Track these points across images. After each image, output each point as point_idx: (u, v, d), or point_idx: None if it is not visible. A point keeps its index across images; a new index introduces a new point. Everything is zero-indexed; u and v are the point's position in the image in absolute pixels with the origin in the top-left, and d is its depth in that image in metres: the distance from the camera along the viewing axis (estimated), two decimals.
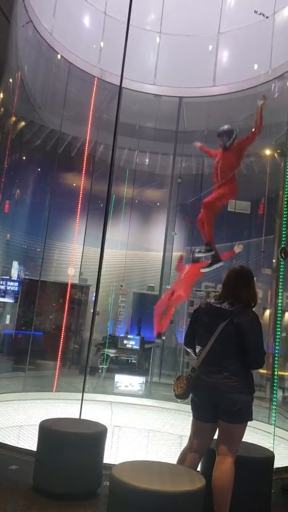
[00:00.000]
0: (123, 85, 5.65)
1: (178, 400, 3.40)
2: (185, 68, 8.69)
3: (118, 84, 5.77)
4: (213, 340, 3.29)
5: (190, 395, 3.37)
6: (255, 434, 6.12)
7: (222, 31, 8.41)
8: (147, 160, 11.80)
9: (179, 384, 3.37)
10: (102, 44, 8.72)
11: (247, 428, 3.34)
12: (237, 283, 3.43)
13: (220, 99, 8.85)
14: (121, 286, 11.43)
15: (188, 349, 3.62)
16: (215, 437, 3.37)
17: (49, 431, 3.77)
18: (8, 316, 9.48)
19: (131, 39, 5.44)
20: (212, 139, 10.53)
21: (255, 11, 7.54)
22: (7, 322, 9.45)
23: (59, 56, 8.59)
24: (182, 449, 3.52)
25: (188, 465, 3.26)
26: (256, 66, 8.33)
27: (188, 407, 7.81)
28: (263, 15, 7.57)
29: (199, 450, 3.38)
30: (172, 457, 4.88)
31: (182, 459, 3.39)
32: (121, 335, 10.64)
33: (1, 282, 9.05)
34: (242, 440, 3.35)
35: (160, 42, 8.84)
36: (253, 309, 3.45)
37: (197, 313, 3.55)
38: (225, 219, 10.52)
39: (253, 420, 3.38)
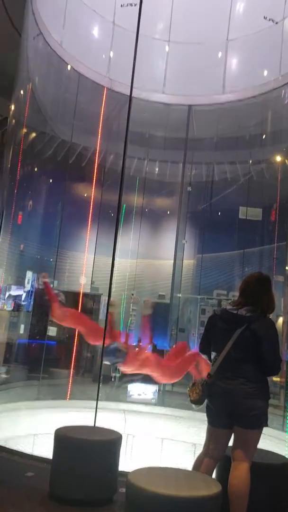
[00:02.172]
0: (132, 94, 5.71)
1: (193, 406, 3.39)
2: (194, 76, 8.73)
3: (128, 93, 5.82)
4: (230, 346, 3.29)
5: (205, 401, 3.37)
6: (269, 441, 6.05)
7: (231, 38, 8.43)
8: (157, 169, 11.85)
9: (194, 390, 3.37)
10: (111, 54, 8.80)
11: (262, 435, 3.32)
12: (256, 290, 3.43)
13: (229, 106, 8.87)
14: (132, 294, 11.43)
15: (203, 356, 3.62)
16: (230, 443, 3.36)
17: (64, 438, 3.78)
18: (22, 326, 9.51)
19: (140, 49, 5.49)
20: (222, 146, 10.61)
21: (264, 17, 7.56)
22: (21, 331, 9.48)
23: (69, 67, 8.68)
24: (196, 457, 3.51)
25: (203, 471, 3.25)
26: (265, 73, 8.35)
27: (201, 415, 7.73)
28: (273, 21, 7.59)
29: (215, 456, 3.37)
30: (186, 465, 4.85)
31: (197, 465, 3.38)
32: (133, 344, 10.62)
33: (15, 292, 9.10)
34: (257, 447, 3.34)
35: (169, 51, 8.90)
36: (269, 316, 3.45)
37: (213, 320, 3.54)
38: (236, 226, 10.52)
39: (268, 427, 3.36)
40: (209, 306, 10.78)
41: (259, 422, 3.24)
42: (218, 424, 3.35)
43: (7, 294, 9.01)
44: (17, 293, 9.21)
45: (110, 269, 5.62)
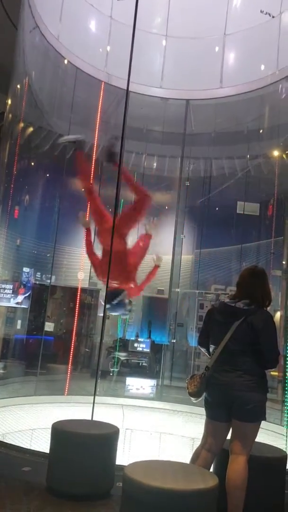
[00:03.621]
0: (130, 89, 5.69)
1: (192, 398, 3.40)
2: (192, 71, 8.71)
3: (125, 88, 5.79)
4: (227, 339, 3.30)
5: (204, 394, 3.37)
6: (267, 435, 6.07)
7: (228, 32, 8.41)
8: (154, 164, 11.82)
9: (192, 383, 3.38)
10: (108, 48, 8.77)
11: (260, 429, 3.33)
12: (252, 283, 3.44)
13: (227, 101, 8.86)
14: None
15: (202, 349, 3.62)
16: (229, 436, 3.36)
17: (61, 432, 3.78)
18: (19, 321, 9.51)
19: (137, 43, 5.46)
20: (220, 141, 10.58)
21: (261, 11, 7.54)
22: (18, 327, 9.48)
23: (66, 61, 8.64)
24: (194, 451, 3.51)
25: (201, 465, 3.26)
26: (263, 67, 8.33)
27: (199, 410, 7.77)
28: (270, 15, 7.57)
29: (212, 449, 3.37)
30: (184, 459, 4.85)
31: (195, 458, 3.39)
32: (131, 338, 10.64)
33: (12, 287, 9.08)
34: (255, 440, 3.34)
35: (166, 45, 8.87)
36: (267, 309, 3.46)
37: (211, 313, 3.56)
38: (233, 221, 10.52)
39: (266, 422, 3.37)
40: (207, 300, 10.78)
41: (257, 415, 3.25)
42: (216, 417, 3.36)
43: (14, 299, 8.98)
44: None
45: (107, 264, 5.59)
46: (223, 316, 3.42)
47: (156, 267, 6.66)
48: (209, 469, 3.28)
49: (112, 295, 5.33)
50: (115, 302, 5.30)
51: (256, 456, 3.38)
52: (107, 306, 5.44)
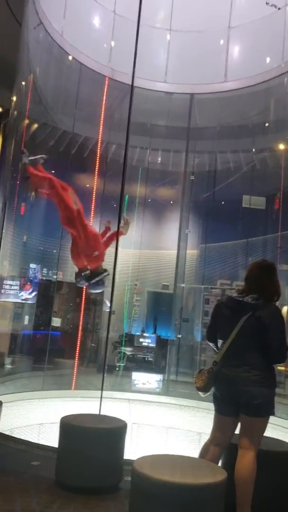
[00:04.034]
0: (134, 84, 5.68)
1: (200, 393, 3.40)
2: (196, 65, 8.68)
3: (129, 83, 5.80)
4: (235, 333, 3.29)
5: (212, 389, 3.38)
6: (274, 430, 6.08)
7: (232, 25, 8.37)
8: (159, 158, 11.80)
9: (200, 377, 3.38)
10: (112, 43, 8.75)
11: (268, 423, 3.32)
12: (260, 277, 3.42)
13: (232, 95, 8.83)
14: (135, 285, 11.45)
15: (210, 344, 3.61)
16: (237, 431, 3.37)
17: (70, 426, 3.81)
18: (26, 317, 9.56)
19: (141, 38, 5.46)
20: (224, 135, 10.55)
21: (266, 3, 7.47)
22: (26, 322, 9.53)
23: (70, 57, 8.64)
24: (201, 445, 3.53)
25: (209, 459, 3.27)
26: (268, 60, 8.28)
27: (207, 404, 7.81)
28: (275, 6, 7.50)
29: (221, 443, 3.38)
30: (191, 453, 4.89)
31: (203, 452, 3.40)
32: (137, 333, 10.68)
33: (19, 284, 9.13)
34: (264, 435, 3.35)
35: (170, 39, 8.84)
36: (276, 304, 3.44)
37: (219, 307, 3.55)
38: (240, 215, 10.49)
39: (274, 416, 3.36)
40: (213, 296, 10.78)
41: (264, 410, 3.24)
42: (224, 412, 3.37)
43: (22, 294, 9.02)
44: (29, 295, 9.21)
45: (113, 259, 5.63)
46: (230, 310, 3.40)
47: (121, 232, 6.26)
48: (217, 463, 3.29)
49: (94, 275, 5.76)
50: (94, 281, 5.75)
51: (264, 450, 3.38)
52: (87, 283, 5.89)
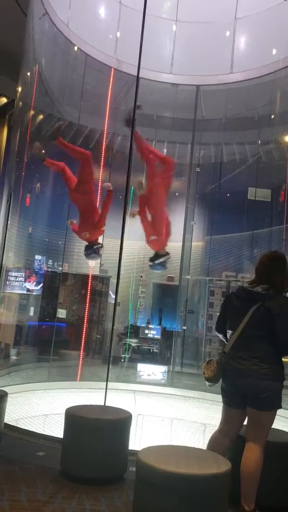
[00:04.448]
0: (140, 75, 5.65)
1: (208, 383, 3.40)
2: (202, 56, 8.63)
3: (135, 74, 5.77)
4: (244, 323, 3.27)
5: (220, 380, 3.37)
6: (281, 422, 6.11)
7: (239, 16, 8.31)
8: (165, 150, 11.74)
9: (209, 368, 3.38)
10: (118, 34, 8.70)
11: (276, 416, 3.32)
12: (270, 268, 3.39)
13: (238, 86, 8.77)
14: (141, 277, 11.47)
15: (219, 335, 3.59)
16: (246, 423, 3.38)
17: (75, 417, 3.84)
18: (32, 308, 9.60)
19: (147, 28, 5.43)
20: (230, 126, 10.50)
21: None
22: (31, 314, 9.57)
23: (75, 48, 8.60)
24: (205, 436, 3.54)
25: (217, 450, 3.28)
26: (274, 51, 8.22)
27: (211, 396, 7.85)
28: None
29: (229, 435, 3.39)
30: (196, 444, 4.92)
31: (211, 443, 3.41)
32: (142, 325, 10.70)
33: (25, 275, 9.16)
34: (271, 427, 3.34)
35: (176, 30, 8.78)
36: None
37: (229, 298, 3.53)
38: (245, 207, 10.46)
39: (282, 409, 3.35)
40: (218, 287, 10.78)
41: (272, 404, 3.23)
42: (232, 404, 3.36)
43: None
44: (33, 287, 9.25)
45: (119, 251, 5.64)
46: (240, 301, 3.38)
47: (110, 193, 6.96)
48: (225, 454, 3.28)
49: (157, 256, 6.39)
50: (157, 262, 6.28)
51: (271, 442, 3.38)
52: (151, 263, 6.51)
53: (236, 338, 3.30)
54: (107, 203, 6.85)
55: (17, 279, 8.70)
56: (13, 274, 8.61)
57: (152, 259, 6.54)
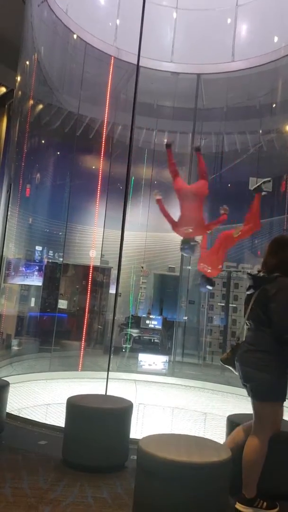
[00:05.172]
0: (140, 63, 5.60)
1: (221, 362, 3.44)
2: (203, 44, 8.54)
3: (135, 63, 5.73)
4: (249, 309, 3.23)
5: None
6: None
7: (240, 3, 8.22)
8: (165, 140, 11.70)
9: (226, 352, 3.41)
10: (118, 22, 8.61)
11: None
12: (275, 251, 3.29)
13: (239, 75, 8.70)
14: (142, 267, 11.47)
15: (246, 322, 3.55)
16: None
17: (76, 406, 3.85)
18: (33, 299, 9.61)
19: (147, 16, 5.38)
20: (231, 115, 10.43)
21: None
22: (32, 304, 9.59)
23: (75, 36, 8.52)
24: (206, 425, 3.54)
25: (235, 442, 3.27)
26: (276, 39, 8.14)
27: (211, 385, 7.87)
28: None
29: (247, 426, 3.34)
30: (196, 433, 4.94)
31: (232, 434, 3.39)
32: (143, 315, 10.72)
33: (26, 266, 9.17)
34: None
35: (177, 18, 8.69)
36: None
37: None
38: (246, 197, 10.41)
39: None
40: (219, 278, 10.76)
41: (263, 395, 3.13)
42: (247, 393, 3.29)
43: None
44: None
45: (119, 242, 5.63)
46: (248, 288, 3.34)
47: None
48: (243, 444, 3.20)
49: (184, 242, 6.73)
50: (186, 246, 6.66)
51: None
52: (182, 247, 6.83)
53: (242, 326, 3.31)
54: (217, 222, 7.34)
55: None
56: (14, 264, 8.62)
57: (182, 243, 6.82)
